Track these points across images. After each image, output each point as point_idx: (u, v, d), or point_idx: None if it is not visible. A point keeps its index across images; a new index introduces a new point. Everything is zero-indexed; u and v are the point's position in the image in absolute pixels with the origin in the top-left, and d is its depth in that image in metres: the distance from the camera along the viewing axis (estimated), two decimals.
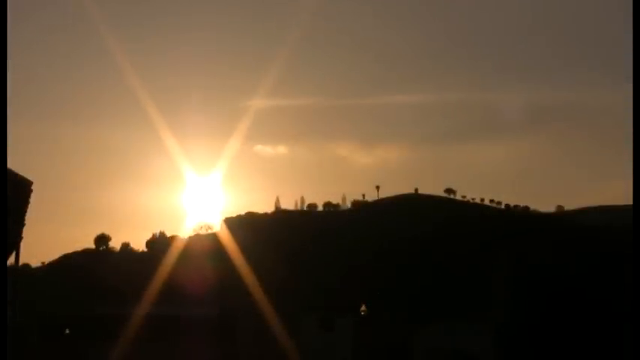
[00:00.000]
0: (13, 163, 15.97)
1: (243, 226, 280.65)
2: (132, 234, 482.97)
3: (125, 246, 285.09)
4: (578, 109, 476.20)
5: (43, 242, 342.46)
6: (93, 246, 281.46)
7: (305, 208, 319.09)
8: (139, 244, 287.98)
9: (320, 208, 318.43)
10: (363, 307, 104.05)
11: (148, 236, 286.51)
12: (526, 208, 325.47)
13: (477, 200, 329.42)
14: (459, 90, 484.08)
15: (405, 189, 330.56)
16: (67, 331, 72.13)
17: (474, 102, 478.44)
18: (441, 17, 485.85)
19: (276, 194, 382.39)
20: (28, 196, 17.06)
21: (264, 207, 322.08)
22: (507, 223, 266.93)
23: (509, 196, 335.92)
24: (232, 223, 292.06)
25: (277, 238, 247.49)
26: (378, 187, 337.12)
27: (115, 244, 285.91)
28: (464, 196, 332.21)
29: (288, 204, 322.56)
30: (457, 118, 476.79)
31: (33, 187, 16.95)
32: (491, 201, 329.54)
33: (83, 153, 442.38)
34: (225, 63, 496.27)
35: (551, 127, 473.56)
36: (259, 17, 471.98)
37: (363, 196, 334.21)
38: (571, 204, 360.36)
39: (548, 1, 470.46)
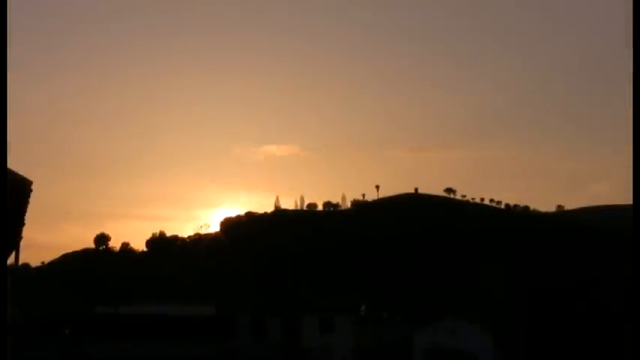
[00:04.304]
0: (13, 163, 15.92)
1: (243, 225, 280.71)
2: (132, 234, 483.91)
3: (125, 245, 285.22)
4: (579, 109, 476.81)
5: (43, 242, 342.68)
6: (93, 246, 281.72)
7: (305, 208, 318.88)
8: (139, 244, 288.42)
9: (320, 207, 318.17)
10: (363, 307, 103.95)
11: (148, 236, 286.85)
12: (526, 208, 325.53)
13: (477, 200, 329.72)
14: (460, 90, 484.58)
15: (405, 188, 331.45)
16: (67, 331, 71.97)
17: (474, 102, 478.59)
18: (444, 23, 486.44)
19: (276, 194, 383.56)
20: (28, 196, 17.00)
21: (264, 207, 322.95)
22: (507, 223, 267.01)
23: (509, 196, 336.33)
24: (232, 223, 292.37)
25: (277, 238, 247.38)
26: (377, 187, 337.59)
27: (115, 243, 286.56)
28: (464, 196, 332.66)
29: (287, 204, 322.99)
30: (458, 118, 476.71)
31: (33, 187, 16.89)
32: (491, 201, 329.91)
33: (83, 152, 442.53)
34: (235, 68, 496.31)
35: (551, 127, 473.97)
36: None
37: (363, 195, 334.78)
38: (571, 204, 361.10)
39: None
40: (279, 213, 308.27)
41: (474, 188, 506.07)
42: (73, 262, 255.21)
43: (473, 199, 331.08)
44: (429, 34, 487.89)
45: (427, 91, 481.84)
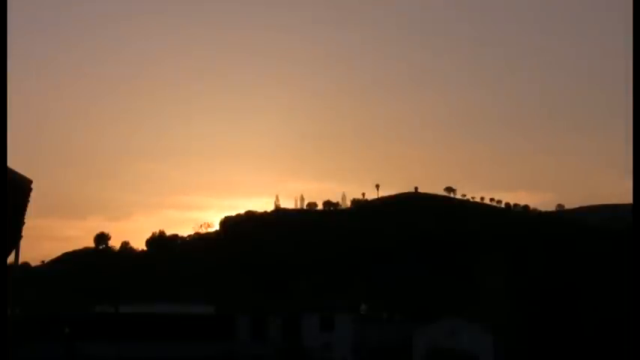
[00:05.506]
0: (13, 162, 15.87)
1: (243, 225, 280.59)
2: (132, 233, 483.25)
3: (125, 245, 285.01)
4: (580, 109, 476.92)
5: (43, 241, 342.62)
6: (93, 245, 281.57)
7: (305, 207, 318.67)
8: (139, 243, 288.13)
9: (320, 206, 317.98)
10: (363, 307, 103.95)
11: (148, 235, 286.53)
12: (526, 207, 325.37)
13: (477, 199, 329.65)
14: (461, 89, 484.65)
15: (405, 187, 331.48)
16: (67, 330, 71.98)
17: (474, 101, 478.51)
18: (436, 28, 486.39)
19: (276, 193, 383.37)
20: (28, 195, 16.94)
21: (264, 206, 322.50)
22: (507, 223, 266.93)
23: (509, 196, 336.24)
24: (231, 222, 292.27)
25: (277, 237, 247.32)
26: (377, 186, 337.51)
27: (115, 242, 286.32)
28: (464, 195, 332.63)
29: (287, 203, 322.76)
30: (458, 117, 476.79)
31: (33, 186, 16.83)
32: (491, 200, 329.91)
33: (83, 152, 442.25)
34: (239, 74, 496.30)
35: (552, 126, 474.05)
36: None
37: (363, 194, 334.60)
38: (571, 204, 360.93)
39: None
40: (278, 212, 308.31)
41: (474, 188, 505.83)
42: (73, 261, 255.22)
43: (473, 198, 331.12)
44: (430, 34, 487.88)
45: (428, 91, 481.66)
